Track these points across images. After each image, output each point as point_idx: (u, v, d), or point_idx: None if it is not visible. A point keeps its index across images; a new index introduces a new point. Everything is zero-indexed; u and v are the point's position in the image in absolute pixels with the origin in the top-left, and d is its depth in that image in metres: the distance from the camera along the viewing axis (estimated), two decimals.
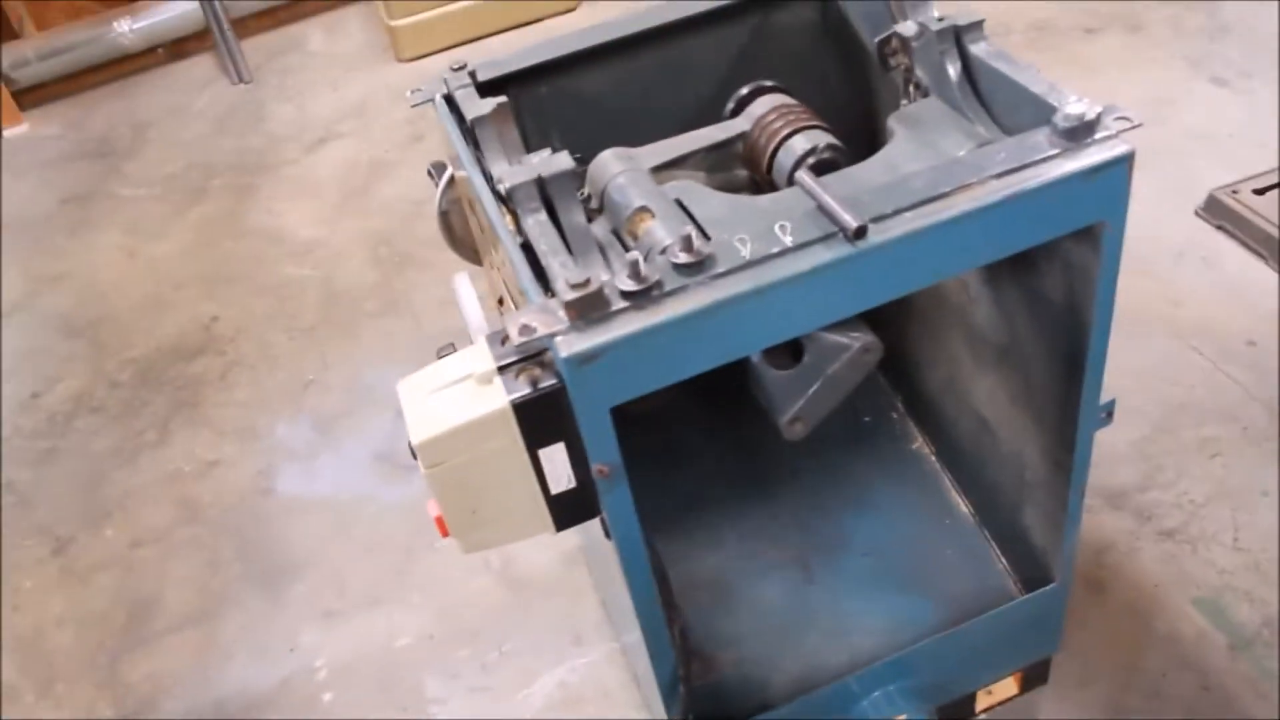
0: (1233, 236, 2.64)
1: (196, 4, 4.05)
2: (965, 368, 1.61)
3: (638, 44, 1.52)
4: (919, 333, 1.71)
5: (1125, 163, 1.09)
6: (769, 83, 1.42)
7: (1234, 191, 2.68)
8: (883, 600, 1.66)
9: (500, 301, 1.49)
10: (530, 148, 1.34)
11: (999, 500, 1.65)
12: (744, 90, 1.41)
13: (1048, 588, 1.55)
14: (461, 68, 1.43)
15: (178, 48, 4.30)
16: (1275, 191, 2.66)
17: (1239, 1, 3.41)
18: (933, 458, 1.82)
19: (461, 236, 1.56)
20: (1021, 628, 1.62)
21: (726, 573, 1.72)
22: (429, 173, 1.52)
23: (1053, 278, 1.27)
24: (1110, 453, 2.15)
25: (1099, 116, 1.10)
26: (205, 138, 3.84)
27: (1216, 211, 2.68)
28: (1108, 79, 3.20)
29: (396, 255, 3.11)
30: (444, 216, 1.53)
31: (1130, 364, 2.34)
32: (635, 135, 1.40)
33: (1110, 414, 1.39)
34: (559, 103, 1.53)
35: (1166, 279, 2.56)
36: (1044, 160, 1.09)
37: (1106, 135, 1.10)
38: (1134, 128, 1.10)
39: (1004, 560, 1.68)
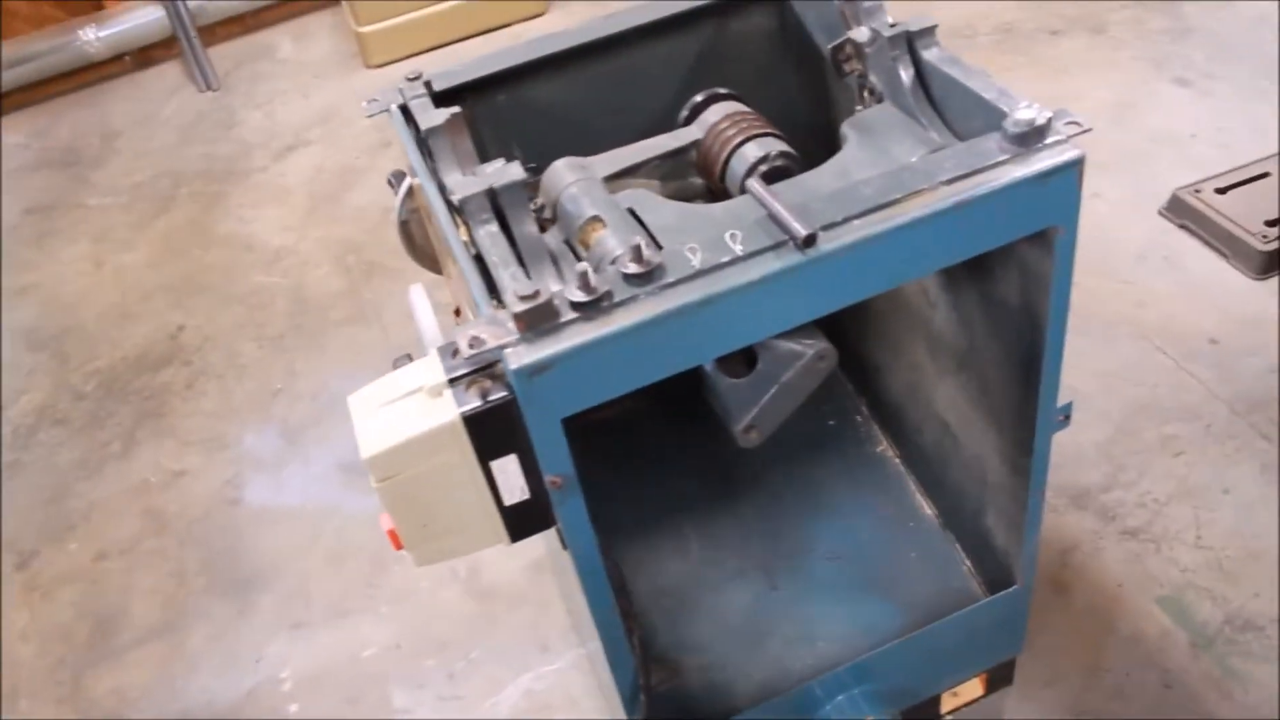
0: (1195, 236, 2.66)
1: (163, 11, 4.02)
2: (926, 372, 1.61)
3: (596, 52, 1.51)
4: (882, 337, 1.71)
5: (1075, 168, 1.09)
6: (723, 90, 1.42)
7: (1196, 191, 2.70)
8: (847, 604, 1.66)
9: (457, 312, 1.49)
10: (489, 157, 1.34)
11: (962, 503, 1.65)
12: (698, 98, 1.41)
13: (1011, 589, 1.55)
14: (417, 78, 1.42)
15: (144, 55, 4.27)
16: (1237, 191, 2.68)
17: (1201, 3, 3.44)
18: (897, 461, 1.82)
19: (421, 246, 1.55)
20: (986, 630, 1.62)
21: (690, 578, 1.71)
22: (389, 181, 1.50)
23: (1008, 282, 1.27)
24: (1074, 454, 2.17)
25: (1049, 121, 1.10)
26: (173, 146, 3.81)
27: (1179, 211, 2.70)
28: (1073, 81, 3.22)
29: (364, 263, 3.10)
30: (404, 226, 1.52)
31: (1095, 365, 2.35)
32: (595, 143, 1.38)
33: (1068, 417, 1.39)
34: (517, 112, 1.52)
35: (1130, 279, 2.57)
36: (994, 166, 1.09)
37: (1057, 140, 1.10)
38: (1084, 132, 1.10)
39: (968, 563, 1.68)
